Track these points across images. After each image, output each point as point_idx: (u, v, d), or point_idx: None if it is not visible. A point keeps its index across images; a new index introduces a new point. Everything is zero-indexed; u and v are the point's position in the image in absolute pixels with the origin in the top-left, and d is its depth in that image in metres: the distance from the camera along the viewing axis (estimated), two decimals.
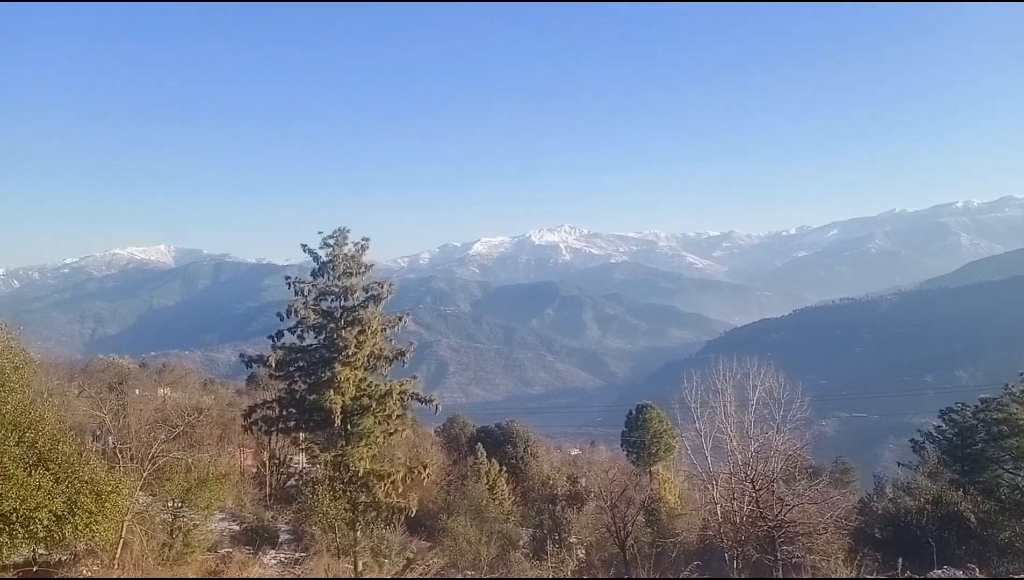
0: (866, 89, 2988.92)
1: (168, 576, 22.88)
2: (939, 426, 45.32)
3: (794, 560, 27.68)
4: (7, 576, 20.82)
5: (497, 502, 48.08)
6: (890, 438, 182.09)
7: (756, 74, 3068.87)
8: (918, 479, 43.24)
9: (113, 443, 28.42)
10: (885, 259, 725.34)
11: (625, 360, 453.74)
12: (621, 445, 65.21)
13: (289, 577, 30.37)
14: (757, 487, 28.94)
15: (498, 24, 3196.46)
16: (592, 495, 44.71)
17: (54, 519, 16.83)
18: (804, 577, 26.87)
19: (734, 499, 30.36)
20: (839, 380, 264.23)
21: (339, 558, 31.30)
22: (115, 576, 21.49)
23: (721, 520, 31.40)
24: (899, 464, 54.86)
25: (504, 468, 52.98)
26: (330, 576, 28.46)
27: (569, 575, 36.63)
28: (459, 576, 35.22)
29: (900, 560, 29.90)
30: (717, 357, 33.24)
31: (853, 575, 28.15)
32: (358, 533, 31.85)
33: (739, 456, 30.03)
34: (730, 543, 29.85)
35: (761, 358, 33.10)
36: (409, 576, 29.89)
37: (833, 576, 27.70)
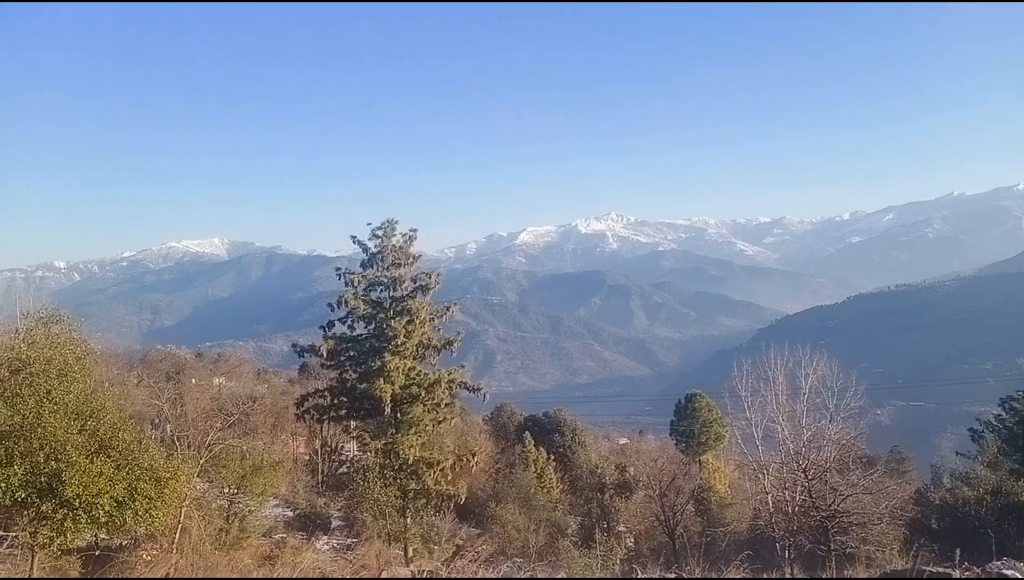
0: (923, 67, 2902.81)
1: (225, 560, 23.45)
2: (999, 415, 44.16)
3: (848, 550, 27.22)
4: (72, 559, 21.60)
5: (545, 490, 48.22)
6: (948, 427, 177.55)
7: (806, 53, 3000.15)
8: (977, 469, 42.14)
9: (171, 431, 29.18)
10: (943, 244, 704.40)
11: (674, 349, 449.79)
12: (670, 434, 64.84)
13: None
14: (810, 476, 28.52)
15: (540, 9, 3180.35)
16: (641, 484, 44.55)
17: (115, 505, 17.33)
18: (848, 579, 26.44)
19: (786, 489, 30.00)
20: (895, 368, 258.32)
21: (390, 544, 31.74)
22: (174, 559, 22.12)
23: (773, 510, 31.08)
24: (957, 454, 53.63)
25: (552, 457, 53.08)
26: (381, 561, 28.91)
27: (618, 563, 36.57)
28: (508, 563, 35.47)
29: (957, 551, 29.16)
30: (768, 345, 32.83)
31: (908, 566, 27.62)
32: (408, 520, 32.30)
33: (791, 445, 29.65)
34: (782, 533, 29.51)
35: (814, 346, 32.63)
36: (459, 563, 30.20)
37: (888, 567, 27.22)
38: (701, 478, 48.80)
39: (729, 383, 34.05)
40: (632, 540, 44.46)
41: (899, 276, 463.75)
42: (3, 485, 16.60)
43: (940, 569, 17.55)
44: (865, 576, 23.72)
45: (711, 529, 40.27)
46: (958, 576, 16.68)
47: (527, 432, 55.96)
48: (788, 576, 27.19)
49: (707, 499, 45.82)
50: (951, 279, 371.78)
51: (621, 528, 45.33)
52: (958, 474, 45.52)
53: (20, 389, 17.45)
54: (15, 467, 16.54)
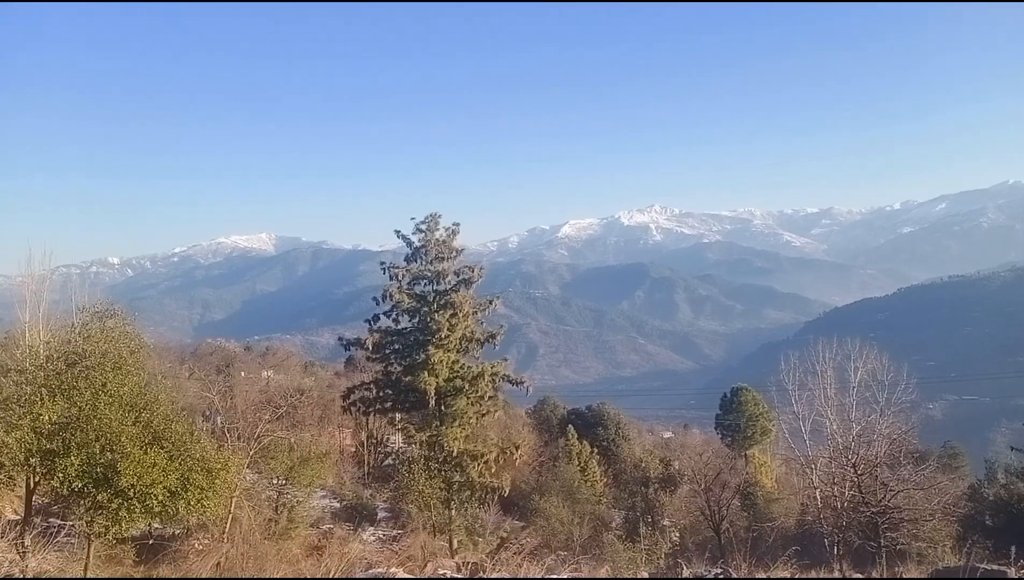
0: (978, 54, 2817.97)
1: (274, 550, 23.87)
2: None
3: (898, 547, 26.69)
4: (126, 548, 22.17)
5: (589, 484, 48.15)
6: (1002, 422, 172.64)
7: (855, 43, 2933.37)
8: None
9: (221, 423, 29.80)
10: (998, 234, 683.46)
11: (719, 342, 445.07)
12: (715, 428, 64.29)
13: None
14: (859, 472, 28.00)
15: (579, 7, 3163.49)
16: (686, 478, 44.22)
17: (168, 495, 17.75)
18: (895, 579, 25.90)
19: (834, 484, 29.49)
20: (948, 361, 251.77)
21: (435, 536, 32.00)
22: (225, 548, 22.57)
23: (821, 505, 30.57)
24: (1012, 449, 52.08)
25: (595, 450, 52.97)
26: (426, 553, 29.14)
27: (663, 558, 36.39)
28: (552, 556, 35.46)
29: (1013, 549, 28.39)
30: (816, 338, 32.25)
31: (962, 563, 26.97)
32: (453, 512, 32.55)
33: (840, 440, 29.12)
34: (830, 529, 29.03)
35: (863, 339, 31.96)
36: (503, 555, 30.31)
37: (940, 564, 26.60)
38: (747, 472, 48.29)
39: (776, 377, 33.54)
40: (677, 535, 44.18)
41: (952, 267, 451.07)
42: (61, 475, 17.12)
43: (995, 567, 17.04)
44: (917, 574, 23.21)
45: (757, 524, 39.81)
46: (1014, 575, 16.18)
47: (570, 426, 55.91)
48: (837, 573, 26.74)
49: (753, 494, 45.33)
50: (1007, 270, 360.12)
51: (666, 522, 45.07)
52: (1013, 469, 44.37)
53: (76, 382, 17.95)
54: (72, 458, 17.04)
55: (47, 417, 17.21)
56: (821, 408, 29.82)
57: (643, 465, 50.64)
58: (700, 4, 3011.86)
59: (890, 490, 27.33)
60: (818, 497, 30.95)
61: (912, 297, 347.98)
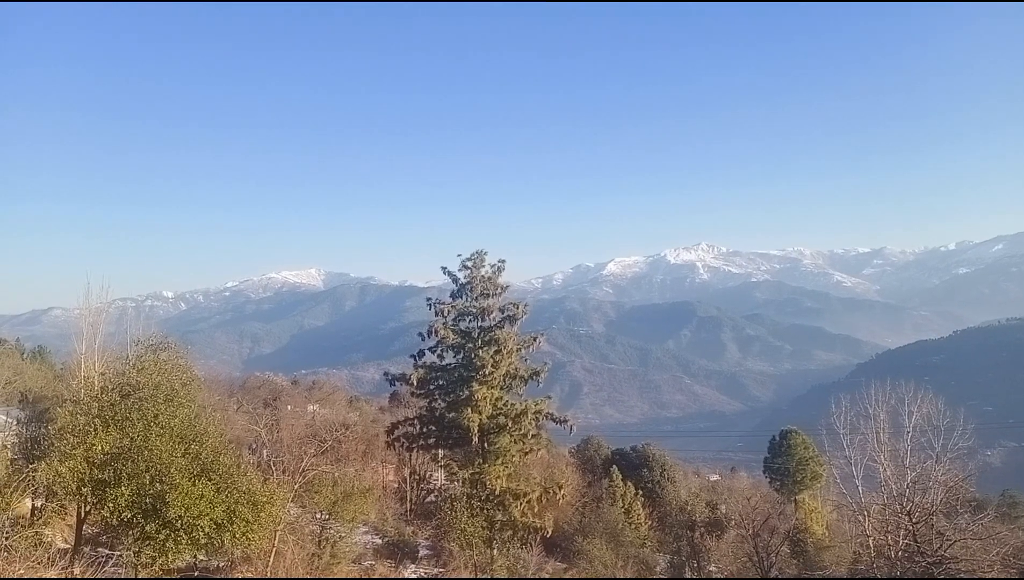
0: None
1: None
2: None
3: None
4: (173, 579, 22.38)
5: (633, 526, 47.31)
6: None
7: (901, 84, 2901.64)
8: None
9: (267, 456, 30.11)
10: None
11: (767, 383, 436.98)
12: (764, 472, 62.82)
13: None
14: (914, 520, 27.08)
15: (625, 31, 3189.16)
16: (733, 523, 43.23)
17: (214, 527, 17.96)
18: None
19: (888, 532, 28.56)
20: (1006, 407, 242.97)
21: (476, 575, 31.70)
22: None
23: (874, 554, 29.60)
24: None
25: (640, 492, 52.11)
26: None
27: None
28: None
29: None
30: (868, 381, 31.53)
31: None
32: (495, 551, 32.24)
33: (893, 486, 28.24)
34: (884, 579, 28.05)
35: (918, 382, 31.12)
36: None
37: None
38: (797, 518, 46.98)
39: (826, 420, 32.78)
40: None
41: (1010, 309, 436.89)
42: (111, 505, 17.45)
43: None
44: None
45: (808, 572, 38.66)
46: None
47: (614, 466, 55.17)
48: None
49: (803, 540, 44.04)
50: None
51: (712, 568, 43.99)
52: None
53: (129, 413, 18.37)
54: (123, 487, 17.37)
55: (100, 447, 17.61)
56: (874, 453, 29.03)
57: (689, 508, 49.63)
58: (753, 40, 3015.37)
59: (946, 539, 26.34)
60: (871, 545, 30.01)
61: (969, 340, 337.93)
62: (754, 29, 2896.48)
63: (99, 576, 18.53)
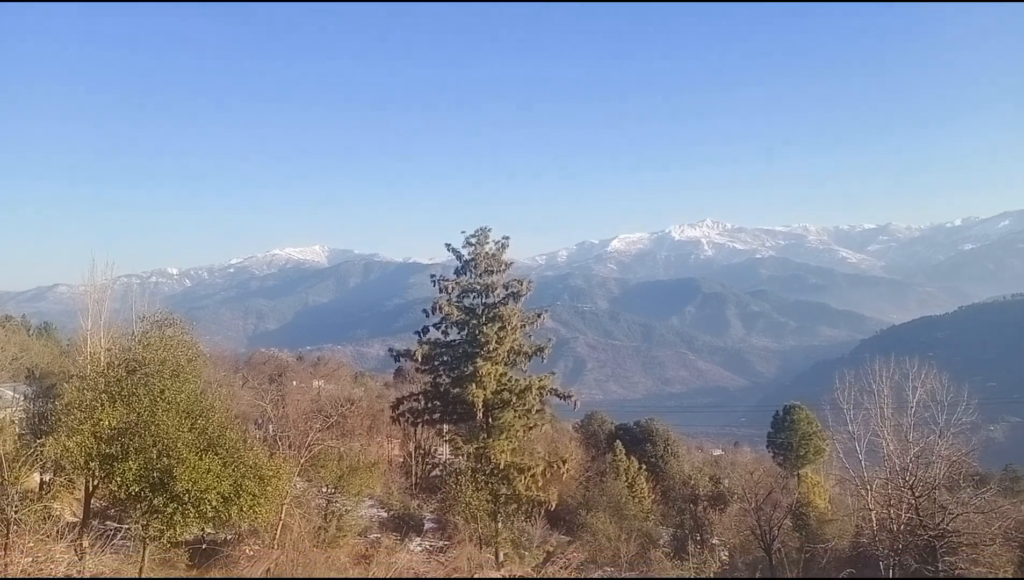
0: None
1: (323, 558, 24.13)
2: None
3: (956, 572, 25.80)
4: (180, 552, 22.66)
5: (636, 500, 47.67)
6: None
7: (907, 61, 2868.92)
8: None
9: (273, 431, 30.29)
10: None
11: (771, 359, 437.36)
12: (767, 447, 63.13)
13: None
14: (917, 494, 27.20)
15: (630, 7, 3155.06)
16: (736, 497, 43.48)
17: (222, 500, 18.13)
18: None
19: (891, 506, 28.70)
20: (1010, 382, 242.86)
21: (481, 548, 32.00)
22: (275, 555, 22.89)
23: (876, 527, 29.77)
24: None
25: (643, 466, 52.43)
26: (472, 565, 29.15)
27: (712, 576, 35.80)
28: (599, 571, 35.15)
29: None
30: (872, 357, 31.51)
31: None
32: (499, 524, 32.52)
33: (897, 461, 28.33)
34: (886, 551, 28.23)
35: (922, 358, 31.11)
36: (549, 569, 30.17)
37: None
38: (800, 492, 47.23)
39: (830, 395, 32.82)
40: (726, 554, 43.43)
41: (1015, 285, 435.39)
42: (119, 479, 17.61)
43: None
44: None
45: (810, 545, 38.90)
46: None
47: (618, 441, 55.48)
48: None
49: (806, 514, 44.31)
50: None
51: (715, 541, 44.36)
52: None
53: (136, 388, 18.47)
54: (130, 462, 17.52)
55: (107, 422, 17.73)
56: (877, 428, 29.09)
57: (692, 482, 49.95)
58: (758, 17, 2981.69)
59: (949, 513, 26.48)
60: (873, 519, 30.17)
61: (973, 316, 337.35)
62: (759, 5, 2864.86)
63: (108, 548, 18.75)
